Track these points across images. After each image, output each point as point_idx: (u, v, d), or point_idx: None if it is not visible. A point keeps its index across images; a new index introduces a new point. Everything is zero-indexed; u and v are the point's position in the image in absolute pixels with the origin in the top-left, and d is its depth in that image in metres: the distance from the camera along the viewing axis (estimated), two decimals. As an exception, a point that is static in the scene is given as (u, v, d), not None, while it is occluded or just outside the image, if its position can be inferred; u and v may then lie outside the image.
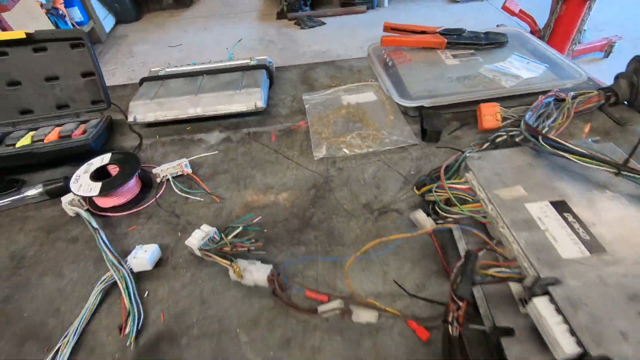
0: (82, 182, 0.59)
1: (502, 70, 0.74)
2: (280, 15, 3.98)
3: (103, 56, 3.28)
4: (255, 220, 0.56)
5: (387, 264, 0.50)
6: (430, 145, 0.67)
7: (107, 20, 3.63)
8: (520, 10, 2.54)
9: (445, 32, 0.85)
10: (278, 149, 0.70)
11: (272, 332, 0.44)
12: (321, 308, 0.44)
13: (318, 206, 0.59)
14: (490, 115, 0.65)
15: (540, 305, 0.36)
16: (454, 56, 0.81)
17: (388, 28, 0.90)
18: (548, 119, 0.64)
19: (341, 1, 3.94)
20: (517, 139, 0.57)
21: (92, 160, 0.63)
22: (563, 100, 0.68)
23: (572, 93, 0.69)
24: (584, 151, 0.47)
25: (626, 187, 0.45)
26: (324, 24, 3.73)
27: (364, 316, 0.43)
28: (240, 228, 0.51)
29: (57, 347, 0.43)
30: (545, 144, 0.49)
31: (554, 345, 0.34)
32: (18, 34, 0.70)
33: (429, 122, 0.68)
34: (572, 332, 0.33)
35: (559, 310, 0.35)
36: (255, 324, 0.45)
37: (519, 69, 0.74)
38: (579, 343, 0.32)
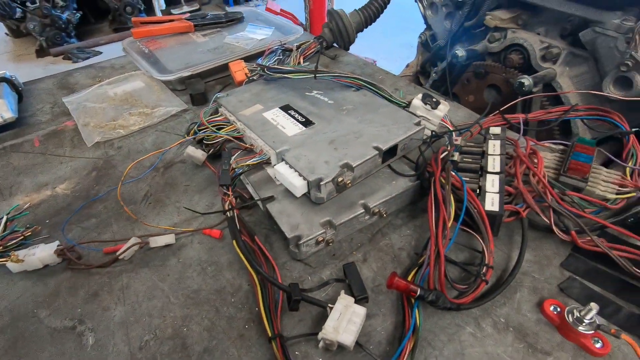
0: None
1: (242, 37, 0.90)
2: (41, 53, 3.43)
3: None
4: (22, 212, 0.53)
5: (178, 201, 0.56)
6: (201, 107, 0.76)
7: None
8: (281, 10, 2.95)
9: (191, 18, 0.96)
10: (45, 151, 0.67)
11: (74, 295, 0.44)
12: (119, 251, 0.47)
13: (102, 183, 0.60)
14: (240, 71, 0.78)
15: (281, 168, 0.48)
16: (204, 35, 0.93)
17: (138, 23, 0.95)
18: (283, 63, 0.82)
19: (113, 28, 3.67)
20: (255, 77, 0.71)
21: None
22: (292, 50, 0.87)
23: (296, 44, 0.89)
24: (291, 68, 0.63)
25: (322, 85, 0.64)
26: (100, 52, 3.40)
27: (161, 240, 0.48)
28: (5, 218, 0.48)
29: None
30: (269, 72, 0.65)
31: (292, 187, 0.47)
32: None
33: (193, 88, 0.77)
34: (300, 175, 0.47)
35: (291, 166, 0.48)
36: (55, 296, 0.44)
37: (254, 34, 0.90)
38: (303, 178, 0.46)
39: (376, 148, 0.50)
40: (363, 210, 0.48)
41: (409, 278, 0.42)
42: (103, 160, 0.64)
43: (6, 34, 3.58)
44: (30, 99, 0.82)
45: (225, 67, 0.80)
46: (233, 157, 0.52)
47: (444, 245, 0.41)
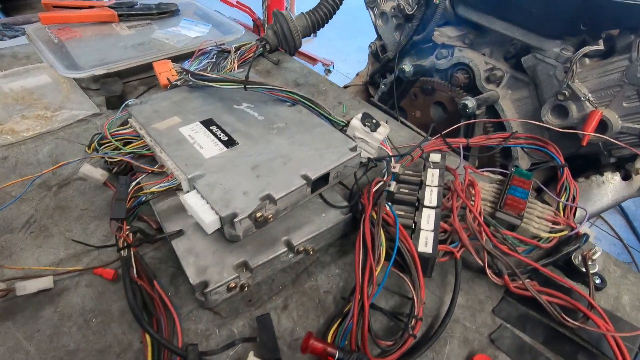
0: None
1: (173, 33, 0.80)
2: (-43, 26, 3.00)
3: None
4: None
5: (69, 230, 0.47)
6: (117, 112, 0.66)
7: None
8: (238, 2, 2.81)
9: (116, 5, 0.84)
10: None
11: None
12: (-27, 301, 0.37)
13: (-27, 204, 0.48)
14: (165, 72, 0.69)
15: (190, 199, 0.41)
16: (130, 27, 0.82)
17: (49, 6, 0.82)
18: (218, 67, 0.74)
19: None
20: (179, 83, 0.63)
21: None
22: (229, 52, 0.79)
23: (235, 45, 0.81)
24: (218, 76, 0.56)
25: (254, 97, 0.57)
26: (29, 31, 3.04)
27: (32, 286, 0.39)
28: None
29: None
30: (193, 78, 0.57)
31: (201, 222, 0.40)
32: None
33: (108, 89, 0.66)
34: (212, 208, 0.40)
35: (202, 197, 0.41)
36: None
37: (188, 31, 0.81)
38: (215, 212, 0.39)
39: (304, 177, 0.44)
40: (286, 249, 0.43)
41: (330, 334, 0.37)
42: (-21, 173, 0.53)
43: None
44: None
45: (150, 67, 0.71)
46: (134, 182, 0.43)
47: (370, 294, 0.37)
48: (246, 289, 0.41)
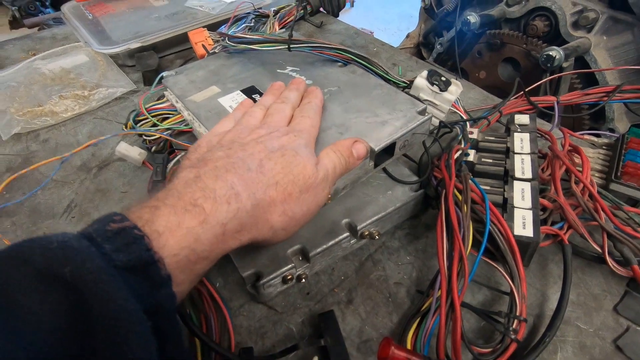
0: None
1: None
2: (15, 24, 3.18)
3: None
4: None
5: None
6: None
7: None
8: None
9: (148, -24, 0.79)
10: (-49, 145, 0.53)
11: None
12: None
13: (16, 189, 0.46)
14: (201, 41, 0.63)
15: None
16: (163, -2, 0.76)
17: (83, -17, 0.78)
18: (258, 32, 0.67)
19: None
20: (217, 50, 0.57)
21: None
22: (267, 16, 0.72)
23: (273, 8, 0.73)
24: (259, 37, 0.49)
25: (299, 59, 0.50)
26: (77, 23, 3.16)
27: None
28: None
29: None
30: (231, 42, 0.50)
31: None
32: None
33: (143, 64, 0.62)
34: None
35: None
36: None
37: (222, -4, 0.75)
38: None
39: (366, 148, 0.36)
40: (348, 233, 0.36)
41: (409, 337, 0.30)
42: (22, 157, 0.51)
43: (-26, 3, 3.30)
44: (-53, 77, 0.67)
45: (186, 39, 0.65)
46: (173, 162, 0.38)
47: (462, 291, 0.29)
48: (303, 280, 0.35)
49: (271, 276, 0.32)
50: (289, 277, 0.33)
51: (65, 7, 0.74)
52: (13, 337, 0.17)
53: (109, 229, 0.21)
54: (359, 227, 0.36)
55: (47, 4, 3.45)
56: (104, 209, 0.44)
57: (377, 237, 0.37)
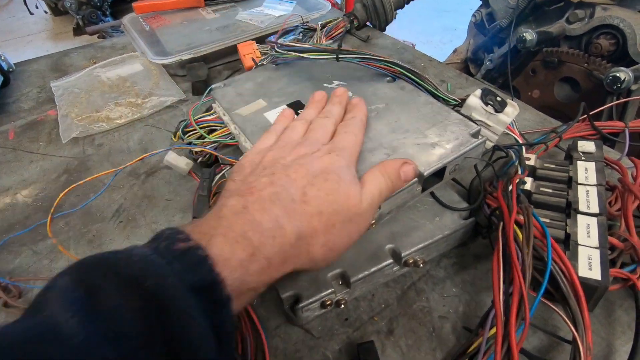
0: None
1: (257, 13, 0.75)
2: (78, 32, 3.45)
3: None
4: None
5: (155, 222, 0.44)
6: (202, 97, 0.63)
7: None
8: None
9: (203, -10, 0.82)
10: (18, 145, 0.57)
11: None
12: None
13: (71, 191, 0.49)
14: (250, 54, 0.65)
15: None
16: (215, 11, 0.79)
17: (143, -4, 0.83)
18: (303, 46, 0.68)
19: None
20: (264, 62, 0.57)
21: None
22: (314, 30, 0.72)
23: (320, 22, 0.74)
24: (308, 46, 0.49)
25: (347, 73, 0.49)
26: (133, 31, 3.37)
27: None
28: None
29: None
30: (280, 50, 0.50)
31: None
32: None
33: (193, 74, 0.64)
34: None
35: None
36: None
37: (272, 10, 0.76)
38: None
39: (415, 171, 0.35)
40: (391, 260, 0.34)
41: (457, 381, 0.28)
42: (78, 160, 0.53)
43: (45, 11, 3.62)
44: (18, 81, 0.72)
45: (235, 50, 0.67)
46: (218, 175, 0.39)
47: (520, 337, 0.27)
48: (342, 306, 0.34)
49: (310, 300, 0.31)
50: (328, 302, 0.32)
51: (125, 19, 0.78)
52: (100, 332, 0.18)
53: (176, 248, 0.22)
54: (403, 254, 0.34)
55: (107, 13, 3.71)
56: (149, 215, 0.45)
57: (421, 265, 0.35)
